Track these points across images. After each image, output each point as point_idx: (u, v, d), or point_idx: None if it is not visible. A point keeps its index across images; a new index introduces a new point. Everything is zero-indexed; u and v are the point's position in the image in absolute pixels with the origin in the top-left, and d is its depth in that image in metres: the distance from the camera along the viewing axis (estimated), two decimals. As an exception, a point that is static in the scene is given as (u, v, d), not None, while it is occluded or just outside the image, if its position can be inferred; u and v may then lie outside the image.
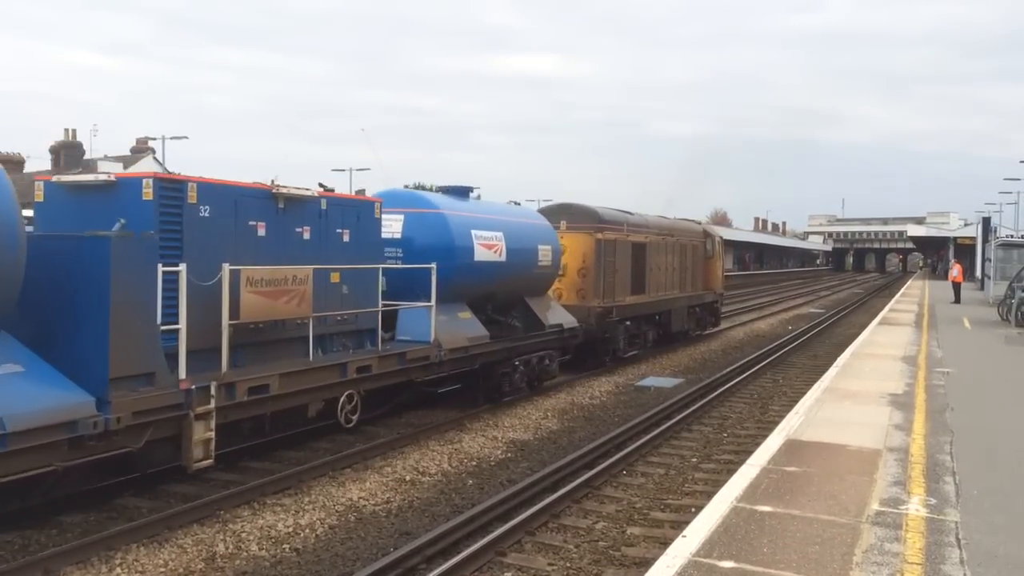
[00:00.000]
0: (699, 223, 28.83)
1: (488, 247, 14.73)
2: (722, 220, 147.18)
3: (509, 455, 12.37)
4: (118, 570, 7.61)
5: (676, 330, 24.72)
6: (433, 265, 13.06)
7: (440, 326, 13.20)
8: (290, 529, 8.89)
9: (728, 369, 20.43)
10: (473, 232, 14.46)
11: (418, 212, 14.10)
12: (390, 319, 12.98)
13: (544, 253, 16.58)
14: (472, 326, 14.33)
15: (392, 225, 13.69)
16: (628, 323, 20.95)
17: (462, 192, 15.75)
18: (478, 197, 16.74)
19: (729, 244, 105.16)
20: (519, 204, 21.72)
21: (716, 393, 17.11)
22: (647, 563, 6.92)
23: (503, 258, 15.09)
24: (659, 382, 18.98)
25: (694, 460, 12.24)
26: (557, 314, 17.07)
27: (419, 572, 7.82)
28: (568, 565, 8.10)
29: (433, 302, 13.04)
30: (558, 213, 20.06)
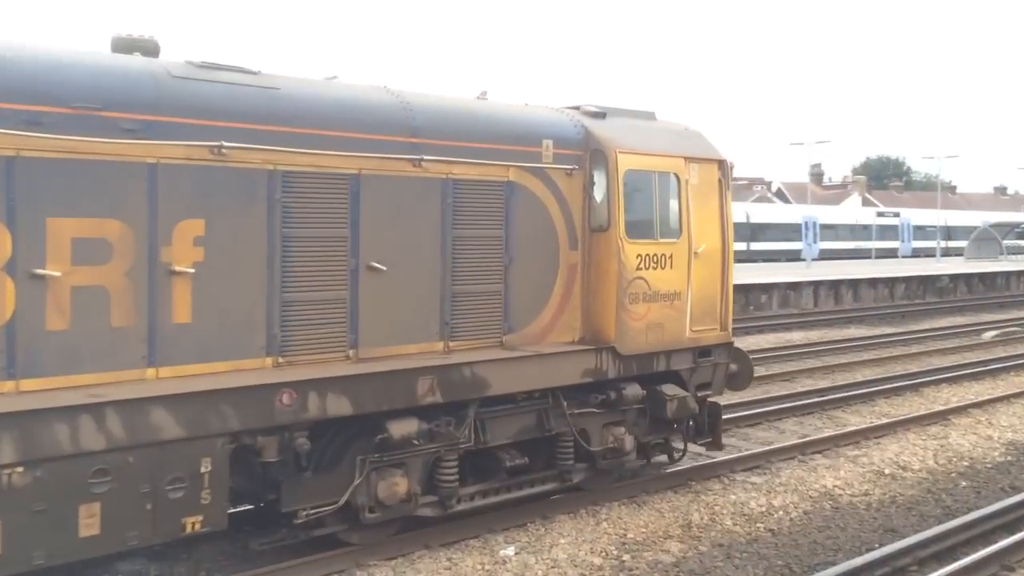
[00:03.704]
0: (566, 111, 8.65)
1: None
2: None
3: (1009, 458, 10.76)
4: (604, 524, 8.12)
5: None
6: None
7: None
8: (763, 509, 8.70)
9: None
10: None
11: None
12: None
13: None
14: None
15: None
16: None
17: None
18: None
19: None
20: None
21: None
22: None
23: None
24: None
25: None
26: None
27: (909, 573, 7.14)
28: (1103, 596, 6.77)
29: None
30: None
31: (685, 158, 8.86)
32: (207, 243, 6.13)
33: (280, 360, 6.50)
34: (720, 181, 9.23)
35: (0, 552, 5.16)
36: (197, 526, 5.90)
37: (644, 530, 8.01)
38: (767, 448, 10.54)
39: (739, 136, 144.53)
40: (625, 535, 7.89)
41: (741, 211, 43.97)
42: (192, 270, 6.05)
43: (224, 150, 6.14)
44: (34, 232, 5.45)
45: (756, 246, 45.26)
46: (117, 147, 5.73)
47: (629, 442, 8.56)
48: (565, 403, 8.10)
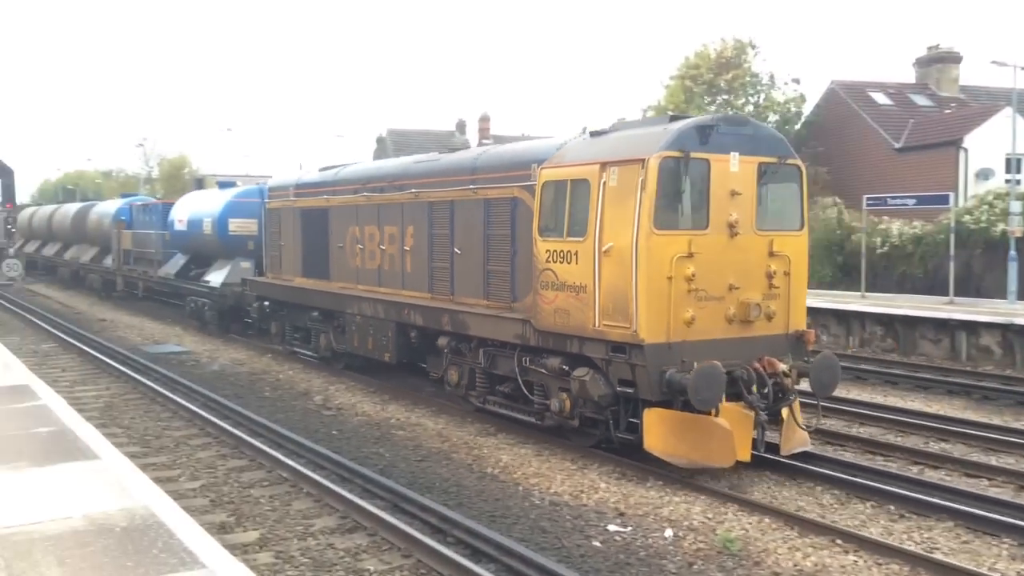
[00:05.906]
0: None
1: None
2: None
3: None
4: (532, 462, 10.51)
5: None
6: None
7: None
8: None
9: None
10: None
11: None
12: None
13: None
14: None
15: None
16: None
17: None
18: None
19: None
20: None
21: None
22: None
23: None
24: None
25: None
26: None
27: None
28: None
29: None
30: None
31: (602, 163, 9.66)
32: (415, 237, 13.40)
33: (430, 295, 13.05)
34: (643, 182, 9.11)
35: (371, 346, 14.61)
36: (387, 357, 13.73)
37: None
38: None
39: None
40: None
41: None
42: (408, 249, 13.50)
43: (414, 192, 13.37)
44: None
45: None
46: (401, 196, 13.86)
47: (555, 403, 10.46)
48: (524, 357, 11.02)
